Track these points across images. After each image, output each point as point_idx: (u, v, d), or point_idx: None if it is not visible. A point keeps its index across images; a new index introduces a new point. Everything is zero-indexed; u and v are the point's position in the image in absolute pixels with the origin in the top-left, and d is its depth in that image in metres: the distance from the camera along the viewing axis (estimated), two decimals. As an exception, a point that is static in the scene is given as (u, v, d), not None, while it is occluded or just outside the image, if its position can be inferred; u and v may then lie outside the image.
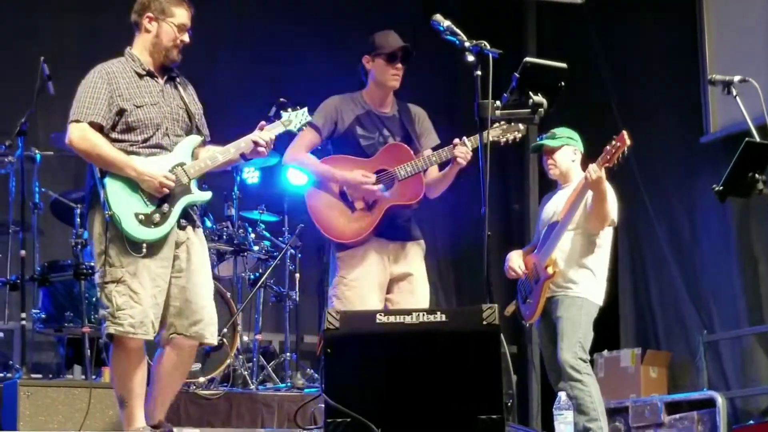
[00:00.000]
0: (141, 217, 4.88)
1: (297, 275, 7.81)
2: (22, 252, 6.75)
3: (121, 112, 4.96)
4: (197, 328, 4.98)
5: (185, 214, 5.04)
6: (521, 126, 5.40)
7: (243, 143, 5.07)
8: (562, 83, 4.80)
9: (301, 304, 7.90)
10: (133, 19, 5.13)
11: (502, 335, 4.39)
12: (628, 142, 5.75)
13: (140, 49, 5.11)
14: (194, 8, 5.16)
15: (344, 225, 5.60)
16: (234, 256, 7.54)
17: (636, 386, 8.31)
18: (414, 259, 5.69)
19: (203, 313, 5.00)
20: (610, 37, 9.38)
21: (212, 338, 5.06)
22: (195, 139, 5.12)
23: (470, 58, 4.78)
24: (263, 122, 5.14)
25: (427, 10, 5.26)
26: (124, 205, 4.87)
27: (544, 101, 4.75)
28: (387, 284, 5.64)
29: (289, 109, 5.23)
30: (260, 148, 5.06)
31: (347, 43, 5.84)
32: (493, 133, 5.42)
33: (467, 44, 4.82)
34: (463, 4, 9.16)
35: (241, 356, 7.14)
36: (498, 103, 4.77)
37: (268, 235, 7.87)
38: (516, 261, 6.23)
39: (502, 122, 5.27)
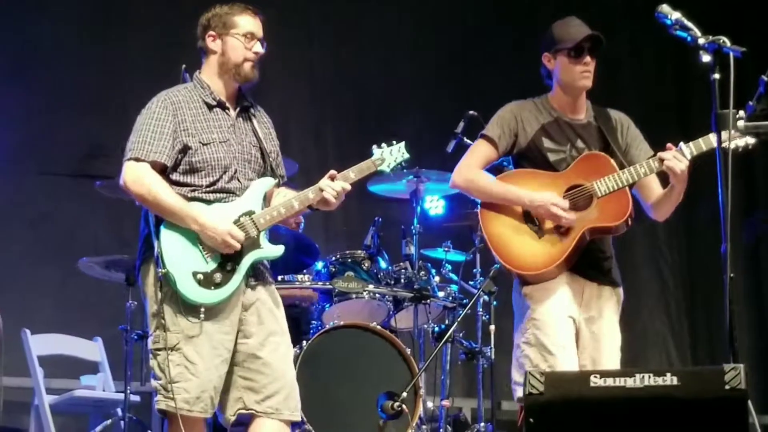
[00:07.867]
0: (200, 276, 4.99)
1: (492, 327, 7.72)
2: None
3: (184, 150, 5.08)
4: (272, 402, 5.07)
5: (254, 271, 5.13)
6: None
7: (311, 193, 5.12)
8: (825, 87, 4.71)
9: (498, 362, 7.73)
10: (198, 45, 5.26)
11: (750, 402, 4.31)
12: None
13: (209, 74, 5.23)
14: (262, 15, 5.24)
15: (531, 252, 5.52)
16: (414, 304, 7.55)
17: None
18: (607, 305, 5.59)
19: (279, 385, 5.09)
20: None
21: (292, 414, 5.13)
22: (267, 182, 5.22)
23: (706, 57, 4.73)
24: (333, 171, 5.16)
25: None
26: (181, 261, 5.00)
27: (800, 111, 4.69)
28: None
29: (384, 145, 5.29)
30: (327, 195, 5.10)
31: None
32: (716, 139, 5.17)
33: (702, 41, 4.77)
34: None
35: (424, 426, 7.15)
36: (742, 113, 4.74)
37: (455, 278, 7.89)
38: None
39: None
